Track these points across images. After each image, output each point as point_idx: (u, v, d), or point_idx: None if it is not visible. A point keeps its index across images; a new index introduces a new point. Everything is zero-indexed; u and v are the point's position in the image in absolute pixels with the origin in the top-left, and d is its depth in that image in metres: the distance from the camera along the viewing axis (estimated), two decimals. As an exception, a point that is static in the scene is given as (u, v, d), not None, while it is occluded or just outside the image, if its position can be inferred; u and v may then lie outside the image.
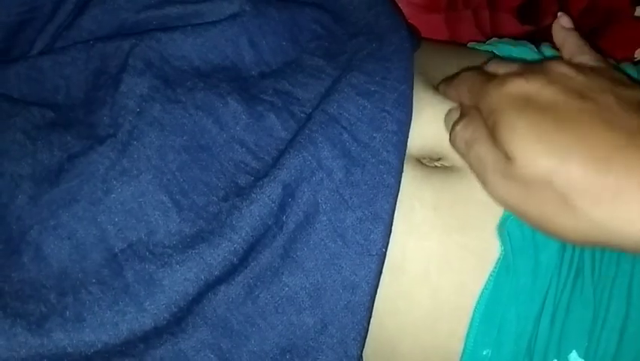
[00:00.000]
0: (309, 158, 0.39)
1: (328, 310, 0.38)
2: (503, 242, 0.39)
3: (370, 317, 0.38)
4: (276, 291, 0.38)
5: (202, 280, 0.36)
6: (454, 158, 0.41)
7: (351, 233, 0.38)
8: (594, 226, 0.33)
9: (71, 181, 0.38)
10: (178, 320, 0.36)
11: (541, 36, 0.65)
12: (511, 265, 0.38)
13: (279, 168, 0.39)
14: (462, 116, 0.40)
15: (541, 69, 0.38)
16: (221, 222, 0.38)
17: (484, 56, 0.48)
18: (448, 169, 0.42)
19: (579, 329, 0.38)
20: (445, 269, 0.39)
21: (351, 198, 0.39)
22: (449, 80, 0.44)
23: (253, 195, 0.38)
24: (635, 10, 0.66)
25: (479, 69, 0.43)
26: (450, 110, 0.42)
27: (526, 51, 0.47)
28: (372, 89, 0.42)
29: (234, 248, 0.37)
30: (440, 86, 0.44)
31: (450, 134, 0.40)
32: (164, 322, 0.36)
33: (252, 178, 0.40)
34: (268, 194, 0.38)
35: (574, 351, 0.38)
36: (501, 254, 0.39)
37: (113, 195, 0.38)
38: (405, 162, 0.40)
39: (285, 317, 0.38)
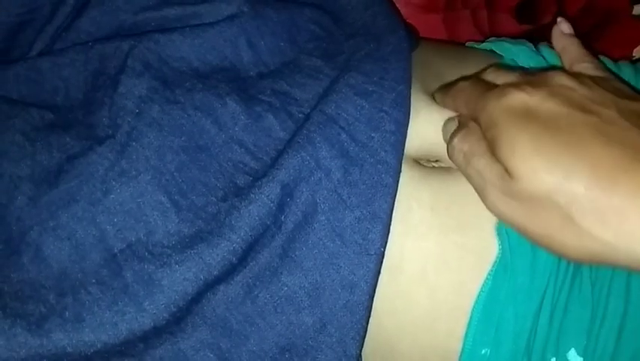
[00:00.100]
0: (308, 158, 0.39)
1: (327, 310, 0.38)
2: (501, 241, 0.39)
3: (369, 317, 0.38)
4: (275, 291, 0.38)
5: (201, 280, 0.36)
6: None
7: (349, 233, 0.39)
8: (599, 245, 0.32)
9: (70, 182, 0.39)
10: (177, 320, 0.36)
11: (539, 35, 0.65)
12: (509, 264, 0.39)
13: (277, 168, 0.39)
14: (460, 127, 0.39)
15: (541, 80, 0.37)
16: (220, 223, 0.38)
17: (483, 55, 0.48)
18: (445, 170, 0.42)
19: (577, 327, 0.38)
20: (442, 269, 0.39)
21: (349, 197, 0.39)
22: (446, 88, 0.43)
23: (252, 195, 0.38)
24: (633, 9, 0.66)
25: (477, 78, 0.42)
26: (447, 121, 0.42)
27: (524, 50, 0.47)
28: (370, 89, 0.42)
29: (233, 248, 0.37)
30: (437, 94, 0.44)
31: (448, 147, 0.40)
32: (164, 322, 0.36)
33: (251, 178, 0.40)
34: (267, 194, 0.38)
35: (572, 349, 0.38)
36: (499, 253, 0.39)
37: (112, 196, 0.38)
38: (402, 162, 0.40)
39: (284, 317, 0.38)
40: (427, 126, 0.42)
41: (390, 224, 0.39)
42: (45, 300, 0.35)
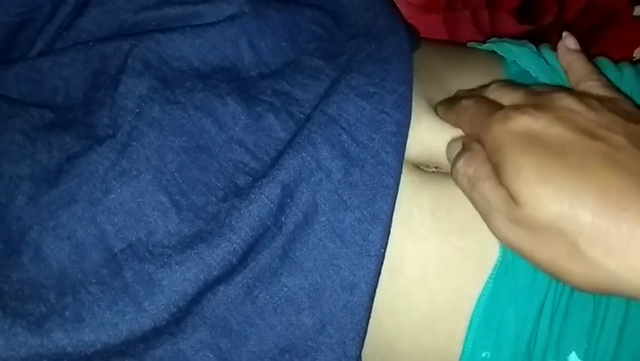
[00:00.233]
0: (308, 158, 0.39)
1: (327, 311, 0.38)
2: (502, 247, 0.39)
3: (369, 318, 0.38)
4: (275, 291, 0.38)
5: (201, 280, 0.36)
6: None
7: (350, 233, 0.39)
8: (605, 274, 0.32)
9: (70, 182, 0.38)
10: (177, 320, 0.36)
11: (540, 36, 0.65)
12: (510, 267, 0.38)
13: (277, 169, 0.39)
14: (464, 150, 0.39)
15: (547, 103, 0.36)
16: (221, 223, 0.38)
17: (484, 57, 0.48)
18: (445, 175, 0.41)
19: (578, 330, 0.38)
20: (443, 273, 0.39)
21: (350, 198, 0.39)
22: (449, 102, 0.42)
23: (252, 195, 0.38)
24: (633, 9, 0.66)
25: (481, 96, 0.41)
26: (451, 142, 0.41)
27: (526, 51, 0.47)
28: (372, 90, 0.42)
29: (233, 248, 0.37)
30: (439, 108, 0.43)
31: (452, 170, 0.39)
32: (164, 322, 0.36)
33: (251, 179, 0.40)
34: (267, 194, 0.38)
35: (573, 352, 0.38)
36: (499, 256, 0.39)
37: (113, 196, 0.38)
38: (403, 165, 0.40)
39: (284, 318, 0.38)
40: (427, 133, 0.42)
41: (390, 225, 0.39)
42: (45, 300, 0.35)
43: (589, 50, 0.48)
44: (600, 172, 0.32)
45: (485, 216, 0.36)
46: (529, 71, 0.45)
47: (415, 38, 0.48)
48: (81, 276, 0.37)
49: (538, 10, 0.65)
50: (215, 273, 0.37)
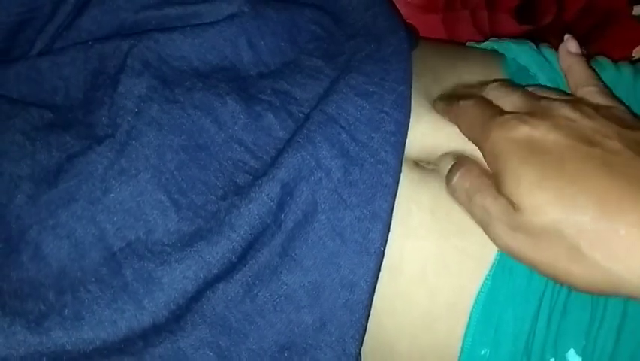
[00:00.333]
0: (308, 157, 0.39)
1: (327, 309, 0.38)
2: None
3: (369, 316, 0.38)
4: (275, 289, 0.38)
5: (201, 278, 0.36)
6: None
7: (349, 232, 0.39)
8: (607, 276, 0.32)
9: (70, 181, 0.39)
10: (177, 318, 0.36)
11: (539, 36, 0.65)
12: (508, 265, 0.39)
13: (277, 168, 0.39)
14: (458, 165, 0.39)
15: (544, 111, 0.37)
16: (220, 221, 0.38)
17: (483, 55, 0.48)
18: (446, 172, 0.42)
19: (576, 328, 0.38)
20: (442, 272, 0.39)
21: (349, 197, 0.39)
22: (448, 99, 0.43)
23: (252, 193, 0.38)
24: (632, 9, 0.66)
25: (479, 98, 0.41)
26: (442, 157, 0.41)
27: (526, 49, 0.47)
28: (371, 89, 0.42)
29: (233, 246, 0.37)
30: (437, 104, 0.43)
31: (447, 185, 0.39)
32: (163, 320, 0.36)
33: (251, 177, 0.40)
34: (267, 193, 0.38)
35: (571, 350, 0.38)
36: (498, 254, 0.39)
37: (112, 195, 0.38)
38: (403, 164, 0.40)
39: (283, 315, 0.38)
40: (427, 130, 0.42)
41: (390, 224, 0.39)
42: (44, 298, 0.35)
43: (589, 50, 0.48)
44: (598, 177, 0.33)
45: (485, 227, 0.37)
46: (527, 69, 0.45)
47: (413, 37, 0.48)
48: (80, 275, 0.37)
49: (538, 10, 0.65)
50: (214, 271, 0.37)
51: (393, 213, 0.39)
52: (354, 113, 0.41)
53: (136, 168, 0.39)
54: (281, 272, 0.38)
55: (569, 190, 0.33)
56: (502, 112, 0.38)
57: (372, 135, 0.41)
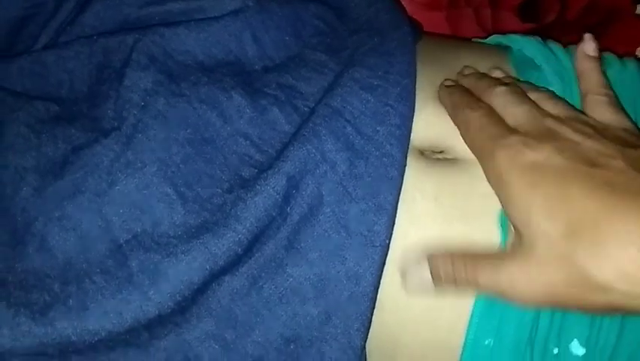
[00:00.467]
0: (313, 150, 0.39)
1: (332, 301, 0.38)
2: (504, 232, 0.39)
3: (374, 308, 0.38)
4: (280, 282, 0.38)
5: (207, 269, 0.36)
6: (457, 151, 0.41)
7: (354, 225, 0.39)
8: (620, 296, 0.32)
9: (76, 173, 0.39)
10: (182, 310, 0.36)
11: (542, 34, 0.65)
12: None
13: (283, 161, 0.39)
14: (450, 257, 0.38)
15: (550, 132, 0.37)
16: (226, 214, 0.38)
17: (489, 47, 0.48)
18: (449, 161, 0.42)
19: (580, 318, 0.38)
20: None
21: (354, 190, 0.39)
22: (452, 91, 0.42)
23: (257, 186, 0.38)
24: (636, 8, 0.66)
25: (485, 106, 0.40)
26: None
27: (532, 42, 0.46)
28: (375, 83, 0.42)
29: (239, 239, 0.37)
30: (440, 94, 0.43)
31: (431, 271, 0.38)
32: (169, 311, 0.36)
33: (256, 171, 0.40)
34: (272, 186, 0.38)
35: (575, 340, 0.38)
36: (502, 244, 0.39)
37: (118, 187, 0.38)
38: (407, 155, 0.40)
39: (289, 308, 0.38)
40: (432, 118, 0.42)
41: (395, 216, 0.39)
42: (49, 289, 0.35)
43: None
44: (605, 199, 0.33)
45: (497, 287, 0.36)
46: (533, 60, 0.45)
47: (417, 31, 0.49)
48: (86, 266, 0.37)
49: (541, 9, 0.65)
50: (220, 263, 0.37)
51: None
52: (359, 106, 0.41)
53: (142, 160, 0.39)
54: (286, 265, 0.38)
55: (578, 218, 0.33)
56: (507, 130, 0.38)
57: (378, 128, 0.41)
